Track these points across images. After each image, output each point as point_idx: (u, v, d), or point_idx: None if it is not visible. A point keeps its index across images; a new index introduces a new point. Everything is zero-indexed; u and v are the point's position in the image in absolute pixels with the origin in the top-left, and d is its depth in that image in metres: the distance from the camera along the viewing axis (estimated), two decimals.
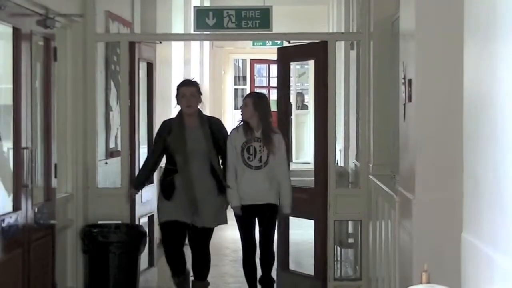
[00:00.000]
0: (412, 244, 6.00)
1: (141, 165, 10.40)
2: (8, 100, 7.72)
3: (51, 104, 8.75)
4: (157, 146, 9.25)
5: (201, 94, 9.46)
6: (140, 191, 9.65)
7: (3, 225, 7.23)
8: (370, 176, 9.35)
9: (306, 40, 11.07)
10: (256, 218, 9.22)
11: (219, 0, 22.41)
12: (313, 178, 10.07)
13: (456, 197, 4.48)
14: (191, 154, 8.88)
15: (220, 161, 9.32)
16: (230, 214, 9.42)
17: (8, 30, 7.61)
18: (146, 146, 11.06)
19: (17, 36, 7.79)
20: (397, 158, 7.16)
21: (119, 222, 9.58)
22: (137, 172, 10.15)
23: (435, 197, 5.76)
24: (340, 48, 11.25)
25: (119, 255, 9.27)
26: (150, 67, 11.19)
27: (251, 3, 17.64)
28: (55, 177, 8.83)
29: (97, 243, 9.28)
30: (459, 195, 4.38)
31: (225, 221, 9.42)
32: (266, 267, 9.25)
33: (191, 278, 9.64)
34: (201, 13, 16.11)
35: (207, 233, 9.22)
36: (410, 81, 6.28)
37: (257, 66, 26.04)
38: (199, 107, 9.53)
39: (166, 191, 9.07)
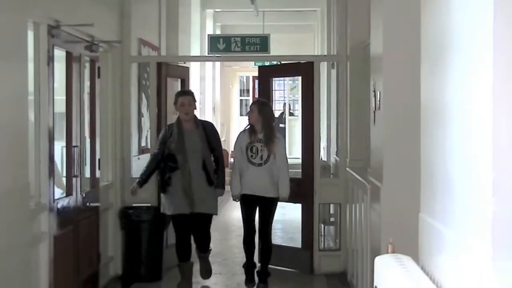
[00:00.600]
0: (380, 222, 6.05)
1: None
2: (62, 108, 7.78)
3: (95, 112, 8.81)
4: (160, 148, 8.79)
5: (195, 101, 9.04)
6: (142, 187, 8.92)
7: (58, 206, 7.32)
8: (347, 169, 9.33)
9: (296, 60, 11.10)
10: (257, 207, 8.85)
11: (228, 29, 22.43)
12: (301, 170, 10.07)
13: (415, 185, 4.48)
14: (189, 153, 8.58)
15: (212, 158, 8.91)
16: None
17: (62, 53, 7.65)
18: None
19: (69, 58, 7.85)
20: (369, 154, 7.16)
21: (149, 204, 9.59)
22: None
23: (398, 185, 5.80)
24: (323, 67, 11.25)
25: (149, 231, 9.30)
26: (183, 83, 10.98)
27: (253, 31, 17.71)
28: (99, 169, 8.88)
29: (131, 222, 9.32)
30: (417, 183, 4.39)
31: (215, 211, 8.98)
32: (265, 259, 8.89)
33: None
34: (213, 40, 16.21)
35: (206, 218, 8.84)
36: (379, 93, 6.33)
37: (258, 81, 26.06)
38: (194, 112, 9.04)
39: (164, 186, 8.72)
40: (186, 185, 8.50)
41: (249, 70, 25.26)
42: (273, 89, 26.50)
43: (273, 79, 11.56)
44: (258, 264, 9.01)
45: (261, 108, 8.71)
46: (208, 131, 8.84)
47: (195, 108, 9.00)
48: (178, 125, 8.67)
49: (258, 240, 8.85)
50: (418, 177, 4.37)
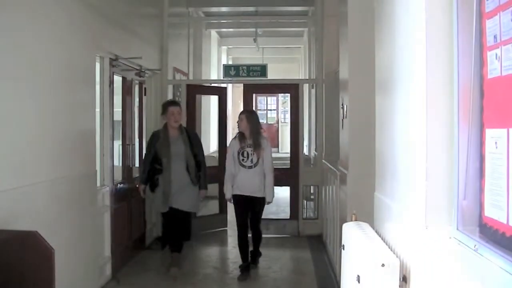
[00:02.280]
0: (346, 199, 6.06)
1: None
2: (119, 117, 7.83)
3: (142, 120, 8.84)
4: (149, 152, 7.43)
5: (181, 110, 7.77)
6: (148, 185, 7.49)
7: (118, 187, 7.38)
8: (323, 160, 9.30)
9: (286, 82, 11.13)
10: (249, 206, 7.50)
11: (237, 60, 22.46)
12: (289, 161, 10.09)
13: (371, 172, 4.49)
14: (173, 157, 7.27)
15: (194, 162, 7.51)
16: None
17: (119, 78, 7.71)
18: (216, 148, 11.06)
19: (124, 82, 7.89)
20: (338, 150, 7.17)
21: None
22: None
23: (359, 172, 5.80)
24: (306, 87, 11.27)
25: None
26: (220, 99, 10.85)
27: (255, 62, 17.72)
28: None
29: None
30: (372, 170, 4.43)
31: (196, 210, 7.90)
32: (256, 243, 7.74)
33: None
34: (226, 68, 16.19)
35: (183, 215, 7.44)
36: (345, 106, 6.36)
37: (259, 97, 25.96)
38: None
39: (152, 186, 7.34)
40: (166, 185, 7.24)
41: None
42: (268, 103, 26.88)
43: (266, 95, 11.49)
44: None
45: (248, 117, 7.57)
46: (192, 138, 7.56)
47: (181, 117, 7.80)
48: (164, 131, 7.41)
49: (250, 230, 7.60)
50: (373, 166, 4.40)
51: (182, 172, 7.33)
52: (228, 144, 8.15)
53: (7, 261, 3.89)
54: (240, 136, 7.55)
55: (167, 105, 7.55)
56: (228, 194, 7.54)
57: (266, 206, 7.73)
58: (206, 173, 7.69)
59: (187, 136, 7.49)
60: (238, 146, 7.51)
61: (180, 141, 7.39)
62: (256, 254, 7.81)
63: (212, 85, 12.45)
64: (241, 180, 7.46)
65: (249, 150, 7.47)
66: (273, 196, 7.59)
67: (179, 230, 7.53)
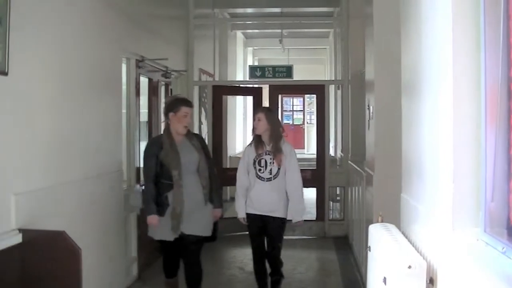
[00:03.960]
0: (373, 200, 6.04)
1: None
2: (145, 118, 7.88)
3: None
4: (150, 164, 5.58)
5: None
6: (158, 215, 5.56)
7: (143, 188, 7.39)
8: (349, 161, 9.29)
9: (312, 83, 11.12)
10: (266, 228, 6.01)
11: (263, 61, 22.46)
12: (315, 163, 10.07)
13: (397, 173, 4.47)
14: (185, 168, 5.55)
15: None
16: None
17: (146, 79, 7.76)
18: (242, 149, 10.99)
19: (151, 83, 7.94)
20: (364, 151, 7.15)
21: None
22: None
23: (386, 173, 5.76)
24: (332, 88, 11.24)
25: None
26: (255, 99, 10.53)
27: (280, 63, 17.72)
28: None
29: None
30: (399, 172, 4.39)
31: (208, 233, 5.75)
32: (275, 271, 6.10)
33: None
34: (252, 69, 16.20)
35: (195, 241, 5.63)
36: (371, 107, 6.33)
37: (284, 98, 25.95)
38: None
39: (161, 208, 5.55)
40: (178, 205, 5.50)
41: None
42: (293, 104, 26.86)
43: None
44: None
45: (268, 116, 6.00)
46: (201, 142, 5.89)
47: None
48: (168, 137, 5.66)
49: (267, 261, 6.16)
50: (400, 168, 4.37)
51: (195, 188, 5.64)
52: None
53: (36, 261, 3.94)
54: (257, 140, 6.03)
55: (178, 104, 5.75)
56: (241, 213, 6.05)
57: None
58: (220, 188, 6.15)
59: (199, 142, 5.85)
60: (254, 154, 5.99)
61: (190, 148, 5.70)
62: (276, 285, 6.16)
63: (246, 86, 12.46)
64: (256, 196, 5.97)
65: (267, 158, 5.95)
66: (303, 214, 6.08)
67: (188, 260, 5.76)
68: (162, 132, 5.88)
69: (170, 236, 5.59)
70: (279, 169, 5.93)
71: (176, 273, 5.94)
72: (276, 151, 5.92)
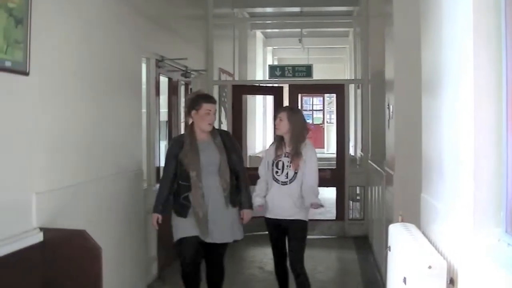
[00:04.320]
0: (393, 200, 6.01)
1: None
2: (165, 117, 7.91)
3: (188, 120, 8.89)
4: (170, 164, 5.42)
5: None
6: (162, 215, 5.49)
7: None
8: (369, 161, 9.28)
9: (332, 83, 11.11)
10: (285, 233, 5.66)
11: (282, 61, 22.47)
12: (335, 162, 10.05)
13: (417, 173, 4.46)
14: (205, 169, 5.28)
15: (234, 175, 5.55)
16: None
17: (166, 79, 7.79)
18: (262, 148, 10.97)
19: (170, 82, 7.97)
20: (384, 151, 7.13)
21: None
22: None
23: (406, 173, 5.72)
24: (351, 88, 11.22)
25: None
26: (275, 99, 10.66)
27: (300, 62, 17.72)
28: None
29: None
30: (419, 171, 4.38)
31: (240, 236, 5.52)
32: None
33: None
34: (272, 68, 16.23)
35: (222, 248, 5.48)
36: (391, 107, 6.31)
37: (304, 98, 25.92)
38: None
39: (181, 210, 5.32)
40: (198, 208, 5.23)
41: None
42: (313, 103, 26.81)
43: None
44: None
45: (290, 116, 5.64)
46: (227, 143, 5.53)
47: None
48: (191, 135, 5.41)
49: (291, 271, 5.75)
50: (420, 167, 4.35)
51: (217, 190, 5.35)
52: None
53: (56, 259, 3.97)
54: (278, 141, 5.74)
55: (200, 100, 5.44)
56: (258, 200, 5.67)
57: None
58: (249, 188, 5.71)
59: (222, 141, 5.50)
60: (273, 155, 5.70)
61: (212, 147, 5.40)
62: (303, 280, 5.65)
63: (266, 85, 12.47)
64: (272, 199, 5.63)
65: (285, 160, 5.61)
66: (317, 194, 5.61)
67: (212, 261, 5.57)
68: (185, 131, 5.64)
69: (194, 231, 5.27)
70: (296, 173, 5.56)
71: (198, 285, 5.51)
72: (295, 155, 5.57)
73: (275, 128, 5.80)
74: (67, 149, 4.60)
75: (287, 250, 5.68)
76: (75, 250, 3.97)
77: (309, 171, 5.57)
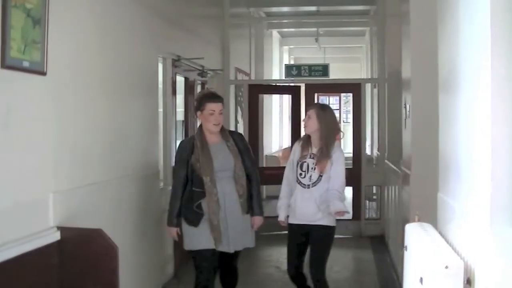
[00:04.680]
0: (409, 199, 6.00)
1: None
2: (181, 117, 7.93)
3: None
4: (180, 170, 5.07)
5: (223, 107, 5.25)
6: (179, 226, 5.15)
7: None
8: (385, 160, 9.27)
9: (348, 82, 11.09)
10: (306, 240, 5.31)
11: (299, 60, 22.41)
12: (352, 162, 10.04)
13: (434, 172, 4.43)
14: (219, 174, 4.98)
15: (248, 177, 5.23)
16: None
17: (182, 79, 7.81)
18: (278, 148, 10.94)
19: (187, 82, 8.00)
20: (401, 150, 7.11)
21: None
22: None
23: (422, 172, 5.73)
24: (368, 87, 11.18)
25: None
26: (293, 98, 10.52)
27: (316, 62, 17.68)
28: None
29: None
30: (436, 170, 4.36)
31: (251, 244, 5.25)
32: None
33: None
34: (288, 68, 16.26)
35: (235, 254, 5.18)
36: (408, 106, 6.29)
37: (321, 97, 25.89)
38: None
39: (194, 218, 4.98)
40: (213, 216, 4.92)
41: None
42: (329, 103, 26.77)
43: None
44: None
45: (320, 114, 5.21)
46: (239, 142, 5.24)
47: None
48: (201, 138, 5.07)
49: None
50: (436, 166, 4.33)
51: (231, 196, 5.05)
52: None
53: (73, 258, 3.99)
54: (305, 140, 5.36)
55: (204, 100, 5.12)
56: (281, 214, 5.39)
57: None
58: (261, 194, 5.46)
59: (234, 142, 5.21)
60: (300, 154, 5.33)
61: (225, 150, 5.11)
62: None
63: (283, 84, 12.48)
64: (295, 204, 5.26)
65: (310, 162, 5.22)
66: (343, 199, 5.31)
67: (226, 266, 5.33)
68: (195, 134, 5.26)
69: (210, 243, 4.96)
70: (320, 176, 5.17)
71: None
72: (322, 156, 5.16)
73: (304, 126, 5.40)
74: (84, 149, 4.62)
75: (309, 257, 5.31)
76: (91, 249, 3.99)
77: (335, 174, 5.19)
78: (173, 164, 6.99)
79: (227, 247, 5.04)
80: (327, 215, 5.18)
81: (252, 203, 5.21)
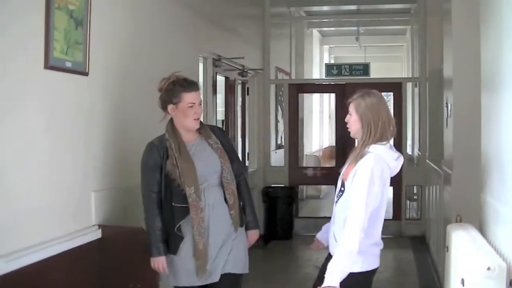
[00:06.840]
0: (451, 200, 5.91)
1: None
2: (221, 116, 7.95)
3: (245, 118, 8.94)
4: (151, 181, 3.76)
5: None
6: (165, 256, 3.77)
7: None
8: (427, 160, 9.17)
9: (389, 81, 11.00)
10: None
11: (339, 59, 22.31)
12: None
13: (477, 172, 4.38)
14: (204, 181, 3.74)
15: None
16: None
17: (223, 78, 7.84)
18: (318, 148, 10.89)
19: (227, 82, 8.02)
20: (442, 150, 7.03)
21: (283, 185, 9.66)
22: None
23: (465, 172, 5.64)
24: (409, 86, 11.08)
25: (283, 204, 9.36)
26: (337, 97, 10.39)
27: (357, 61, 17.57)
28: (248, 159, 8.99)
29: (270, 197, 9.40)
30: (478, 170, 4.30)
31: (244, 268, 3.89)
32: None
33: None
34: (329, 67, 16.15)
35: (233, 281, 3.85)
36: (450, 105, 6.22)
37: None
38: None
39: (172, 243, 3.75)
40: (199, 237, 3.69)
41: None
42: None
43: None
44: None
45: (359, 108, 3.56)
46: (223, 140, 3.96)
47: None
48: (175, 137, 3.79)
49: None
50: (479, 166, 4.27)
51: (221, 208, 3.82)
52: None
53: (114, 255, 4.02)
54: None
55: (177, 91, 3.79)
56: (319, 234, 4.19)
57: None
58: (253, 202, 4.19)
59: (218, 140, 3.92)
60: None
61: (207, 150, 3.87)
62: None
63: (325, 83, 12.46)
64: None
65: (342, 170, 3.62)
66: (341, 273, 3.34)
67: None
68: (165, 132, 3.91)
69: (195, 280, 3.82)
70: (343, 185, 3.54)
71: None
72: (348, 161, 3.55)
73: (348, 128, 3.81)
74: (125, 148, 4.65)
75: None
76: (131, 247, 4.01)
77: (353, 194, 3.41)
78: None
79: (213, 276, 3.83)
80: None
81: (245, 214, 3.99)
